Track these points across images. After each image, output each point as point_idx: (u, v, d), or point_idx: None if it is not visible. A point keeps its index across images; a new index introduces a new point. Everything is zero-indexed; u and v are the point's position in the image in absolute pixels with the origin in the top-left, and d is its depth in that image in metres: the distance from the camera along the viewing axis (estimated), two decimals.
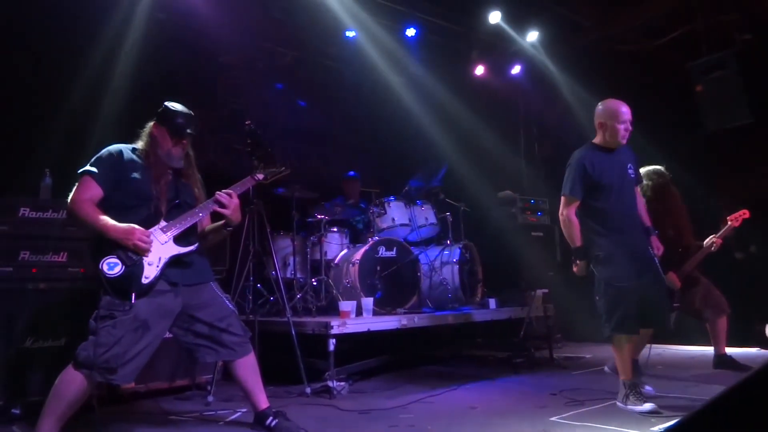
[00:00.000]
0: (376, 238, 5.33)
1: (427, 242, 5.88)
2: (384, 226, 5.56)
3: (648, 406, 3.24)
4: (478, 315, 5.20)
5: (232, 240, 4.68)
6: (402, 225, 5.60)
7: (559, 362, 5.14)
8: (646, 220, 3.67)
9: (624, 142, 3.55)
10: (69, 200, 2.67)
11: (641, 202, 3.71)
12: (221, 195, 2.88)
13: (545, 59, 6.98)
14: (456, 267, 5.55)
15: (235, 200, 2.91)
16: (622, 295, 3.36)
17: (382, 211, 5.58)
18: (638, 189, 3.70)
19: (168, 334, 2.84)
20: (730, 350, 4.58)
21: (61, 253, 3.77)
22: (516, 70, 7.39)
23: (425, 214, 5.78)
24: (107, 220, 2.62)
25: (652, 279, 3.41)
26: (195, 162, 3.06)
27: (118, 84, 5.08)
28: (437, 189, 5.99)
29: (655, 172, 4.60)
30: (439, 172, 6.01)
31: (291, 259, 5.42)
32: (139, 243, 2.60)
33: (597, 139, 3.61)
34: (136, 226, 2.63)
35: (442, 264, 5.61)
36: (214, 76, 6.31)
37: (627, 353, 3.42)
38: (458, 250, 5.63)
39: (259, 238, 4.52)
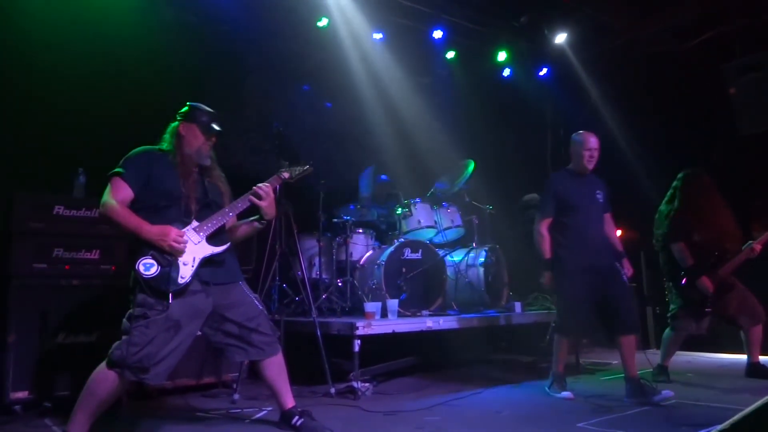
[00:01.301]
0: (402, 239, 5.33)
1: (453, 244, 5.87)
2: (410, 227, 5.56)
3: (565, 393, 3.94)
4: (504, 318, 5.17)
5: (259, 240, 4.71)
6: (428, 227, 5.59)
7: (586, 367, 5.07)
8: (617, 245, 4.14)
9: (590, 167, 4.07)
10: (101, 203, 2.71)
11: (611, 227, 4.19)
12: (259, 187, 2.92)
13: (574, 61, 6.91)
14: (482, 270, 5.52)
15: (272, 194, 2.96)
16: (567, 305, 3.96)
17: (408, 213, 5.57)
18: (609, 216, 4.18)
19: (197, 333, 2.86)
20: (764, 359, 4.47)
21: (94, 251, 3.84)
22: (543, 72, 7.33)
23: (451, 217, 5.77)
24: (141, 221, 2.66)
25: (616, 290, 3.86)
26: (216, 161, 3.10)
27: (147, 84, 5.15)
28: (463, 191, 5.97)
29: (680, 177, 4.59)
30: (465, 175, 5.96)
31: (317, 259, 5.45)
32: (174, 244, 2.64)
33: (571, 165, 4.20)
34: (171, 227, 2.67)
35: (468, 266, 5.58)
36: (241, 79, 6.37)
37: (563, 350, 4.06)
38: (484, 253, 5.61)
39: (286, 238, 4.55)
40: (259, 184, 2.97)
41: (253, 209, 2.99)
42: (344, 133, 7.26)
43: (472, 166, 6.01)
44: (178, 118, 2.98)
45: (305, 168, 3.19)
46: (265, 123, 6.38)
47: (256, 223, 3.03)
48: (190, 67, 5.52)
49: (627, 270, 3.99)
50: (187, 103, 3.02)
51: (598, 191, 4.11)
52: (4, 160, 4.26)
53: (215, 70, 5.92)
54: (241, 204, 2.94)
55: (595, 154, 4.06)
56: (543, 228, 4.07)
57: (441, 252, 5.50)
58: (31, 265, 3.62)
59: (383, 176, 6.46)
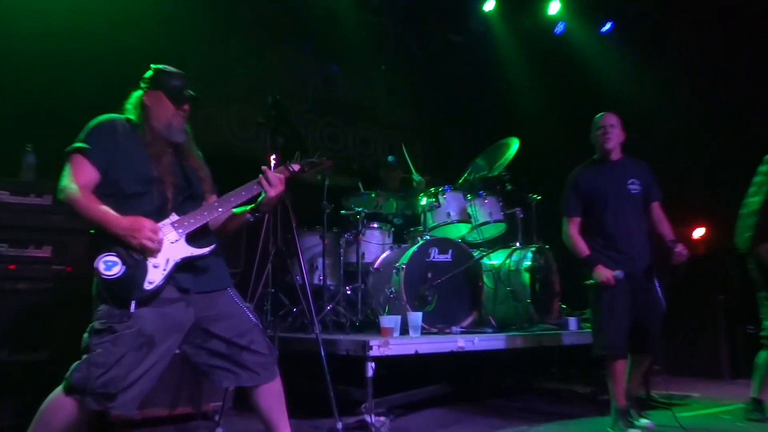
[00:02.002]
0: (427, 237, 5.30)
1: (491, 244, 5.84)
2: (437, 222, 5.52)
3: (644, 422, 4.03)
4: (554, 338, 5.13)
5: (249, 236, 4.71)
6: (460, 221, 5.57)
7: (658, 402, 5.02)
8: (667, 233, 4.22)
9: (607, 146, 4.20)
10: (59, 188, 2.69)
11: (659, 219, 4.28)
12: (271, 173, 2.91)
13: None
14: (527, 276, 5.49)
15: (282, 185, 2.94)
16: (607, 319, 4.04)
17: (435, 204, 5.54)
18: (655, 206, 4.28)
19: (175, 351, 2.85)
20: None
21: (45, 247, 3.86)
22: (607, 27, 7.25)
23: (489, 209, 5.73)
24: (108, 211, 2.63)
25: (648, 310, 4.07)
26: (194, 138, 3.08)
27: (110, 42, 5.16)
28: (505, 177, 5.91)
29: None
30: (507, 156, 5.91)
31: (320, 261, 5.44)
32: (147, 242, 2.62)
33: (595, 155, 4.35)
34: (145, 220, 2.65)
35: (510, 272, 5.55)
36: (226, 37, 6.35)
37: (618, 376, 4.01)
38: (530, 255, 5.57)
39: (282, 234, 4.54)
40: (269, 171, 2.93)
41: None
42: (355, 102, 7.25)
43: (516, 146, 5.95)
44: (142, 86, 2.95)
45: (322, 161, 3.18)
46: (257, 91, 6.41)
47: (249, 215, 3.01)
48: (162, 23, 5.52)
49: (680, 254, 4.08)
50: (151, 66, 2.98)
51: (632, 180, 4.20)
52: None
53: (195, 25, 5.92)
54: (235, 198, 2.90)
55: (610, 131, 4.20)
56: (572, 229, 4.25)
57: (476, 253, 5.47)
58: None
59: (390, 157, 6.44)
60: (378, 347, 4.10)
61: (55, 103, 4.68)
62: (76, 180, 2.68)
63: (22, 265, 3.77)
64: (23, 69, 4.83)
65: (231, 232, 3.12)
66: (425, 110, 7.70)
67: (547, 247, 5.77)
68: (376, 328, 4.68)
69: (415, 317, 4.70)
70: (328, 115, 7.14)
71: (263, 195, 2.95)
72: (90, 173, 2.72)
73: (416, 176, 5.92)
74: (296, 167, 3.10)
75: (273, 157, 3.20)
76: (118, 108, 2.97)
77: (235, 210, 3.02)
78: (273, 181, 2.93)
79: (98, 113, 2.92)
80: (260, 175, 2.93)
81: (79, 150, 2.73)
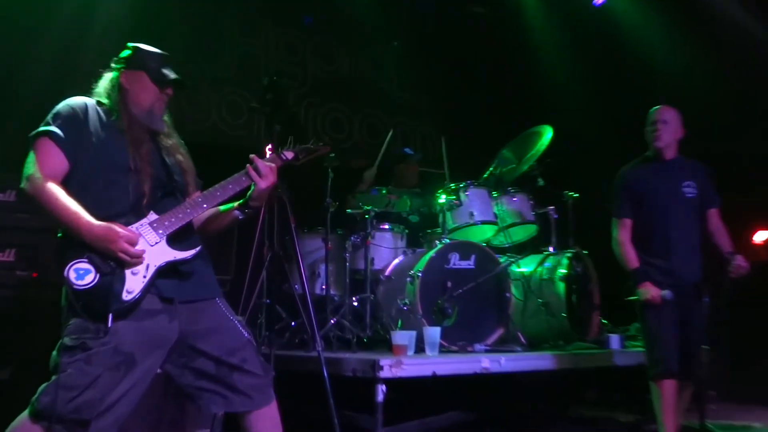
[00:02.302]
0: (447, 240, 5.29)
1: (521, 248, 5.83)
2: (458, 222, 5.52)
3: None
4: (594, 358, 5.11)
5: (240, 237, 4.73)
6: (484, 222, 5.56)
7: None
8: (725, 244, 4.33)
9: (658, 144, 4.31)
10: (24, 177, 2.69)
11: (716, 227, 4.38)
12: (261, 162, 2.93)
13: None
14: (562, 286, 5.48)
15: (274, 176, 2.96)
16: (656, 335, 4.19)
17: (456, 203, 5.53)
18: (713, 212, 4.39)
19: (157, 370, 2.86)
20: None
21: (7, 251, 3.88)
22: None
23: (518, 208, 5.73)
24: (79, 213, 2.62)
25: (694, 329, 4.21)
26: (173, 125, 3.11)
27: (75, 18, 5.17)
28: (536, 171, 5.90)
29: None
30: (539, 146, 5.89)
31: (322, 267, 5.44)
32: (123, 255, 2.61)
33: (648, 152, 4.47)
34: (119, 228, 2.63)
35: (543, 281, 5.54)
36: (214, 8, 6.36)
37: (667, 401, 4.11)
38: (566, 262, 5.57)
39: (279, 236, 4.54)
40: (258, 161, 2.94)
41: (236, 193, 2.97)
42: (363, 83, 7.24)
43: (549, 134, 5.93)
44: (118, 66, 2.96)
45: (318, 147, 3.20)
46: (250, 71, 6.42)
47: (238, 212, 3.02)
48: None
49: (740, 267, 4.17)
50: (128, 45, 3.00)
51: (687, 182, 4.32)
52: None
53: None
54: (222, 192, 2.91)
55: (661, 128, 4.30)
56: (622, 234, 4.38)
57: (503, 259, 5.46)
58: None
59: (407, 149, 6.42)
60: (389, 367, 4.07)
61: (17, 83, 4.69)
62: (42, 168, 2.68)
63: None
64: None
65: (218, 232, 3.12)
66: (443, 93, 7.68)
67: (585, 252, 5.75)
68: (387, 346, 4.68)
69: (433, 333, 4.68)
70: (332, 99, 7.14)
71: (253, 188, 2.96)
72: (58, 161, 2.72)
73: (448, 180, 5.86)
74: (289, 155, 3.12)
75: (269, 147, 3.21)
76: (89, 91, 2.99)
77: (222, 207, 3.03)
78: (263, 171, 2.94)
79: (67, 95, 2.94)
80: (248, 165, 2.95)
81: (47, 134, 2.73)
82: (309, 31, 6.99)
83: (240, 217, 3.03)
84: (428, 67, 7.63)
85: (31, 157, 2.71)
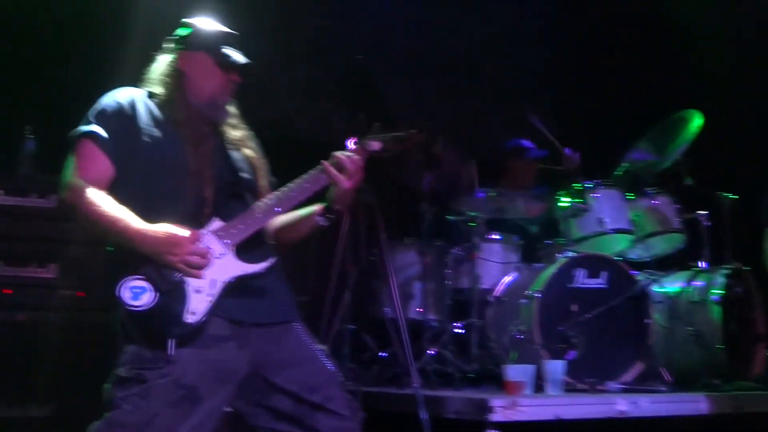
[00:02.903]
0: (571, 253, 5.26)
1: (664, 263, 5.74)
2: (585, 232, 5.47)
3: None
4: (760, 401, 4.97)
5: (320, 251, 4.77)
6: (617, 231, 5.49)
7: None
8: None
9: None
10: (63, 185, 2.79)
11: None
12: (343, 156, 2.94)
13: None
14: (717, 311, 5.35)
15: (360, 169, 2.97)
16: None
17: (582, 207, 5.48)
18: None
19: (225, 408, 2.90)
20: None
21: (49, 265, 4.03)
22: None
23: (660, 214, 5.64)
24: (131, 220, 2.69)
25: None
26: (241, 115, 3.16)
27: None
28: (682, 168, 5.79)
29: None
30: (685, 138, 5.77)
31: (417, 287, 5.47)
32: (192, 258, 2.68)
33: None
34: (180, 231, 2.69)
35: (692, 304, 5.42)
36: None
37: None
38: (721, 281, 5.44)
39: (365, 249, 4.58)
40: (338, 153, 2.96)
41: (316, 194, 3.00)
42: (468, 63, 7.22)
43: (698, 123, 5.81)
44: (174, 47, 3.02)
45: (409, 134, 3.19)
46: (328, 49, 6.48)
47: (319, 218, 3.05)
48: None
49: None
50: (185, 21, 3.05)
51: None
52: None
53: None
54: (297, 193, 2.94)
55: None
56: None
57: (642, 277, 5.39)
58: None
59: (525, 141, 6.38)
60: (502, 409, 4.04)
61: (61, 73, 4.87)
62: (84, 174, 2.76)
63: (20, 290, 3.96)
64: (20, 34, 5.05)
65: (296, 242, 3.16)
66: (564, 71, 7.60)
67: (746, 269, 5.61)
68: (497, 382, 4.67)
69: (555, 368, 4.65)
70: (426, 80, 7.14)
71: (334, 188, 2.98)
72: (102, 166, 2.79)
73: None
74: (375, 145, 3.11)
75: (353, 141, 3.22)
76: (139, 81, 3.04)
77: (301, 211, 3.07)
78: (346, 165, 2.94)
79: (115, 86, 3.01)
80: (326, 162, 2.96)
81: (88, 135, 2.80)
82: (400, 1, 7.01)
83: (322, 224, 3.06)
84: (545, 39, 7.55)
85: (71, 162, 2.80)
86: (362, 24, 6.55)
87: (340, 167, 2.95)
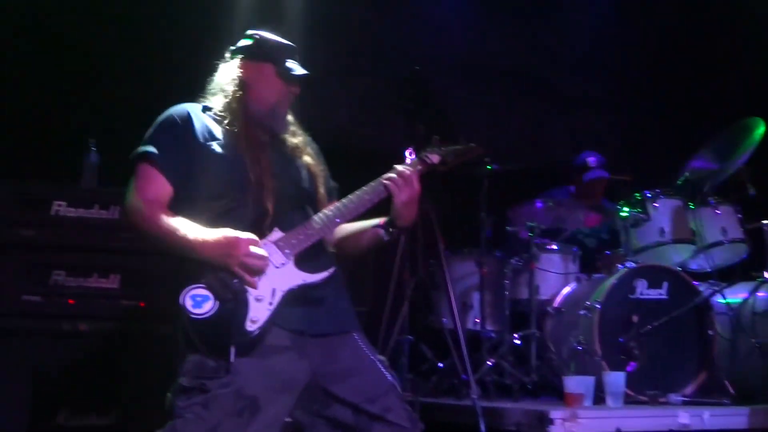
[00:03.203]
0: (631, 264, 5.21)
1: (727, 274, 5.64)
2: (645, 242, 5.41)
3: None
4: None
5: (377, 261, 4.77)
6: (678, 241, 5.45)
7: None
8: None
9: None
10: (126, 206, 2.84)
11: None
12: (398, 171, 2.95)
13: None
14: None
15: (416, 184, 2.96)
16: None
17: (643, 217, 5.42)
18: None
19: (285, 418, 2.91)
20: None
21: (112, 275, 4.08)
22: None
23: (723, 223, 5.54)
24: (190, 228, 2.73)
25: None
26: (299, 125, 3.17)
27: (185, 10, 5.42)
28: (746, 176, 5.69)
29: None
30: (748, 144, 5.68)
31: (475, 297, 5.46)
32: (249, 259, 2.70)
33: None
34: (238, 233, 2.71)
35: (756, 316, 5.29)
36: None
37: None
38: None
39: (423, 259, 4.56)
40: (398, 166, 2.96)
41: (378, 207, 3.00)
42: (523, 69, 7.18)
43: (761, 131, 5.72)
44: (238, 57, 3.06)
45: (468, 147, 3.20)
46: (386, 59, 6.49)
47: (382, 231, 3.05)
48: None
49: None
50: (248, 33, 3.09)
51: None
52: None
53: None
54: (358, 205, 2.94)
55: None
56: None
57: (704, 288, 5.31)
58: (19, 297, 3.91)
59: (590, 156, 6.33)
60: (562, 422, 4.00)
61: (124, 85, 4.94)
62: (143, 195, 2.81)
63: (84, 300, 4.01)
64: (84, 46, 5.14)
65: (358, 253, 3.17)
66: (622, 77, 7.53)
67: None
68: (557, 394, 4.65)
69: (616, 379, 4.60)
70: (488, 87, 7.12)
71: (393, 202, 2.97)
72: (160, 185, 2.83)
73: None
74: (434, 158, 3.11)
75: (409, 151, 3.21)
76: (199, 93, 3.08)
77: (363, 222, 3.07)
78: (404, 177, 2.94)
79: (179, 99, 3.04)
80: (385, 174, 2.96)
81: (145, 156, 2.84)
82: (458, 7, 6.99)
83: (385, 238, 3.07)
84: (605, 43, 7.48)
85: (131, 184, 2.85)
86: (421, 34, 6.55)
87: (399, 178, 2.95)
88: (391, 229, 3.04)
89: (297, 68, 3.02)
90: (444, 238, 4.58)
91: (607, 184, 6.32)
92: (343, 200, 2.97)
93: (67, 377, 3.93)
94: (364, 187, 2.99)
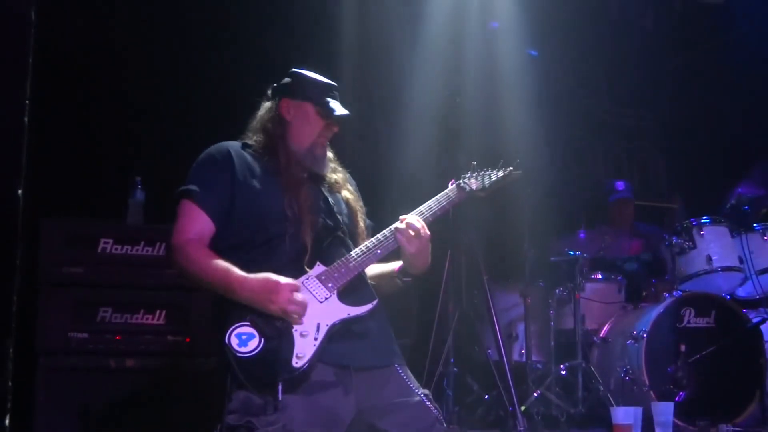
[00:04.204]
0: (678, 293, 5.18)
1: None
2: (692, 270, 5.38)
3: None
4: None
5: (422, 293, 4.78)
6: (726, 269, 5.39)
7: None
8: None
9: None
10: (171, 242, 2.87)
11: None
12: (405, 222, 2.92)
13: None
14: None
15: (424, 232, 2.93)
16: None
17: (689, 245, 5.38)
18: None
19: None
20: None
21: (158, 312, 4.12)
22: None
23: None
24: (232, 270, 2.75)
25: None
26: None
27: (227, 49, 5.50)
28: None
29: None
30: None
31: (520, 328, 5.44)
32: (290, 306, 2.71)
33: None
34: (280, 278, 2.73)
35: None
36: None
37: None
38: None
39: (467, 291, 4.56)
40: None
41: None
42: (560, 96, 7.18)
43: None
44: (278, 95, 3.09)
45: (507, 172, 3.19)
46: (429, 91, 6.48)
47: (397, 279, 3.07)
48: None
49: None
50: (291, 71, 3.12)
51: None
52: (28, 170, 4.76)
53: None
54: (392, 242, 2.94)
55: None
56: None
57: (753, 315, 5.26)
58: (66, 335, 3.96)
59: (619, 183, 6.32)
60: None
61: (169, 124, 5.01)
62: (186, 234, 2.84)
63: (130, 336, 4.05)
64: (128, 84, 5.23)
65: (391, 291, 3.16)
66: (663, 106, 7.49)
67: None
68: (605, 424, 4.59)
69: (664, 410, 4.49)
70: (521, 116, 7.09)
71: (402, 252, 2.95)
72: (202, 223, 2.86)
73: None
74: (473, 184, 3.11)
75: (451, 182, 3.21)
76: (243, 131, 3.12)
77: (384, 267, 3.09)
78: (413, 229, 2.89)
79: (222, 137, 3.09)
80: (396, 224, 2.93)
81: (187, 194, 2.88)
82: (492, 37, 6.98)
83: (399, 284, 3.08)
84: (644, 74, 7.47)
85: (175, 222, 2.88)
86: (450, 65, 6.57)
87: (405, 232, 2.91)
88: (403, 278, 3.05)
89: (337, 107, 3.03)
90: (487, 269, 4.58)
91: (634, 207, 6.35)
92: (378, 235, 2.97)
93: (115, 413, 3.96)
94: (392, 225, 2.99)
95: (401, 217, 2.97)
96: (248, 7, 5.63)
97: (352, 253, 2.92)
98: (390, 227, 2.96)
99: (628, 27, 7.37)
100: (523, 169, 3.24)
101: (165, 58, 5.36)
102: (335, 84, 3.09)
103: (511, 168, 3.20)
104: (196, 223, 2.86)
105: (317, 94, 3.04)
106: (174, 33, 5.39)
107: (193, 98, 5.24)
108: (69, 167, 4.89)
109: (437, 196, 3.08)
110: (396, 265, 3.07)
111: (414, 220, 2.95)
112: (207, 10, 5.50)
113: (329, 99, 3.04)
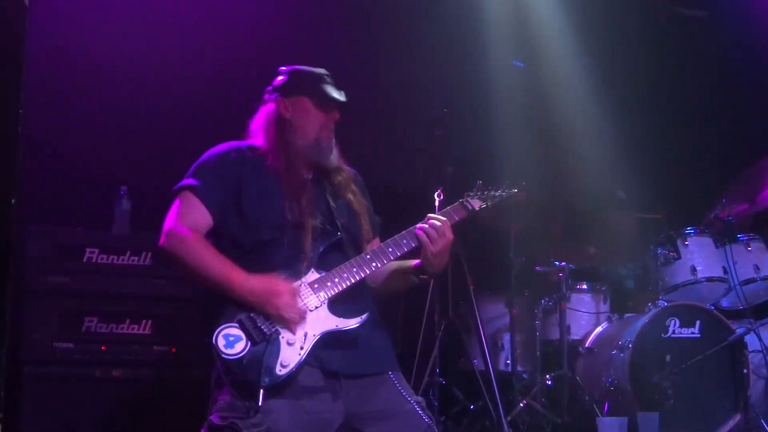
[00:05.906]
0: (663, 303, 5.19)
1: (760, 311, 5.60)
2: (677, 281, 5.41)
3: None
4: None
5: (408, 303, 4.78)
6: (710, 279, 5.42)
7: None
8: None
9: None
10: (164, 231, 2.84)
11: None
12: (433, 220, 2.93)
13: None
14: None
15: (448, 234, 2.94)
16: None
17: (673, 255, 5.42)
18: None
19: None
20: None
21: (144, 322, 4.11)
22: None
23: (753, 260, 5.52)
24: (231, 267, 2.76)
25: None
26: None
27: (214, 54, 5.49)
28: None
29: None
30: None
31: (506, 338, 5.44)
32: (289, 312, 2.71)
33: None
34: (282, 281, 2.74)
35: None
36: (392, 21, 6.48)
37: None
38: None
39: (453, 301, 4.56)
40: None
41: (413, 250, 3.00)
42: (549, 110, 7.18)
43: None
44: (273, 96, 3.09)
45: (511, 192, 3.21)
46: (419, 97, 6.46)
47: (413, 277, 3.05)
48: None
49: None
50: (281, 69, 3.12)
51: None
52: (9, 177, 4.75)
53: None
54: (394, 249, 2.94)
55: None
56: None
57: (737, 326, 5.26)
58: (52, 345, 3.95)
59: (620, 192, 6.30)
60: None
61: (155, 133, 5.01)
62: (182, 221, 2.82)
63: (116, 346, 4.05)
64: (115, 92, 5.22)
65: (399, 293, 3.16)
66: (649, 118, 7.51)
67: None
68: None
69: (649, 420, 4.58)
70: (516, 131, 7.11)
71: (422, 251, 2.94)
72: (200, 214, 2.85)
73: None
74: (476, 204, 3.11)
75: (438, 192, 3.21)
76: (230, 138, 3.10)
77: (399, 264, 3.05)
78: (437, 229, 2.90)
79: (214, 142, 3.08)
80: (419, 224, 2.94)
81: (188, 187, 2.88)
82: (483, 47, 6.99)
83: (415, 282, 3.06)
84: (629, 85, 7.48)
85: (171, 211, 2.87)
86: (445, 70, 6.56)
87: (431, 233, 2.91)
88: (420, 276, 3.03)
89: (333, 93, 3.02)
90: (473, 280, 4.58)
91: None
92: (384, 243, 2.97)
93: (100, 424, 3.95)
94: (404, 231, 2.97)
95: (428, 215, 2.96)
96: (235, 18, 5.65)
97: (349, 261, 2.91)
98: (411, 228, 2.95)
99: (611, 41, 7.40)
100: (521, 186, 3.26)
101: (151, 67, 5.35)
102: (326, 71, 3.09)
103: (516, 190, 3.23)
104: (195, 213, 2.85)
105: (311, 86, 3.03)
106: (160, 42, 5.39)
107: (180, 107, 5.23)
108: (55, 176, 4.87)
109: (446, 210, 3.07)
110: (412, 262, 3.04)
111: (438, 220, 2.94)
112: (193, 22, 5.50)
113: (325, 87, 3.03)
